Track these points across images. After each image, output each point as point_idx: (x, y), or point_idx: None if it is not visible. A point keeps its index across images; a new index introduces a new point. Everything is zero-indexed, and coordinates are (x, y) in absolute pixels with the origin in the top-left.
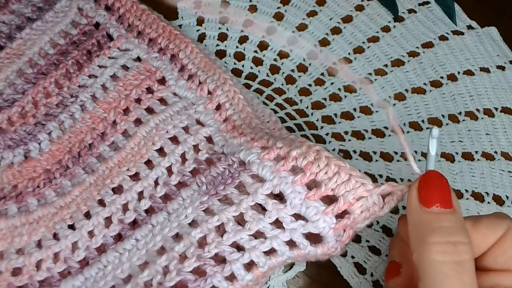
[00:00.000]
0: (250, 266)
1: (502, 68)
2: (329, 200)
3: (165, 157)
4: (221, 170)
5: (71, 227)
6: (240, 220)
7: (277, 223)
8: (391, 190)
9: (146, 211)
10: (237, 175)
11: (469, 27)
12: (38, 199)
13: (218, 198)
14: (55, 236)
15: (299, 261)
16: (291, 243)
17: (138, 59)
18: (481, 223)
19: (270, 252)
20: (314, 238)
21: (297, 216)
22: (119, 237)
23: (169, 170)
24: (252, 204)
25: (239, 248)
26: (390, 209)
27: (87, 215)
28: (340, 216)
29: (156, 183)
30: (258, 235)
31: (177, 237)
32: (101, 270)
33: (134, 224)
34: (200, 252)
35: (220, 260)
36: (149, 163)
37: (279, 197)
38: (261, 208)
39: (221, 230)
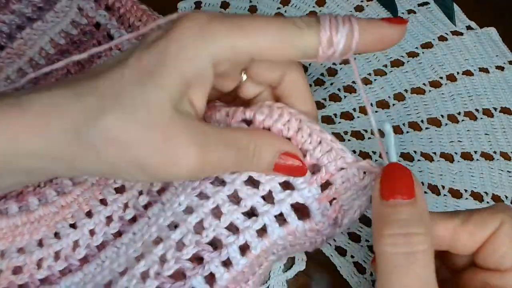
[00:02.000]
0: (244, 250)
1: (501, 68)
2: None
3: None
4: None
5: (72, 225)
6: (235, 200)
7: (268, 199)
8: (367, 169)
9: (145, 206)
10: None
11: (468, 27)
12: (39, 198)
13: (210, 181)
14: (56, 235)
15: (292, 246)
16: (281, 221)
17: None
18: (470, 221)
19: (262, 233)
20: (302, 214)
21: (286, 186)
22: (118, 234)
23: None
24: (246, 179)
25: (233, 231)
26: (371, 181)
27: (89, 214)
28: (324, 187)
29: None
30: (250, 214)
31: (173, 226)
32: (99, 266)
33: (133, 220)
34: (198, 238)
35: (217, 246)
36: None
37: None
38: (253, 184)
39: (217, 213)
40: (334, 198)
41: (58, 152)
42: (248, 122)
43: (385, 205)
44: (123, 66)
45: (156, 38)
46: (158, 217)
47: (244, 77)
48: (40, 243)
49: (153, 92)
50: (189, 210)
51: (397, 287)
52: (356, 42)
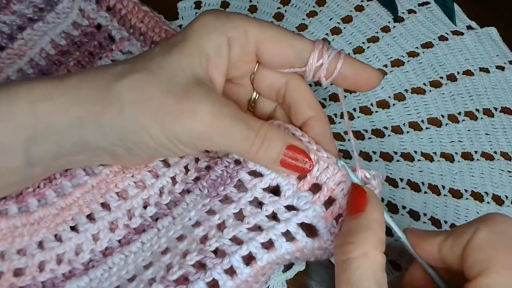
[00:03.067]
0: (249, 260)
1: (501, 68)
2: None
3: (170, 168)
4: (219, 172)
5: (74, 229)
6: (240, 217)
7: (274, 218)
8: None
9: (152, 217)
10: (235, 174)
11: (469, 27)
12: (39, 199)
13: (219, 199)
14: (57, 238)
15: (298, 258)
16: (289, 237)
17: None
18: (451, 235)
19: (269, 246)
20: (310, 232)
21: (291, 208)
22: (126, 242)
23: (174, 179)
24: (251, 200)
25: (238, 243)
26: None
27: (91, 218)
28: (328, 204)
29: (161, 191)
30: (256, 229)
31: (181, 238)
32: (106, 272)
33: (140, 228)
34: (202, 247)
35: (220, 255)
36: (151, 172)
37: (274, 193)
38: (258, 205)
39: (221, 227)
40: (340, 215)
41: (86, 110)
42: None
43: (346, 219)
44: (156, 45)
45: (180, 35)
46: (168, 230)
47: (255, 95)
48: (41, 245)
49: (176, 59)
50: (197, 224)
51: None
52: (342, 63)
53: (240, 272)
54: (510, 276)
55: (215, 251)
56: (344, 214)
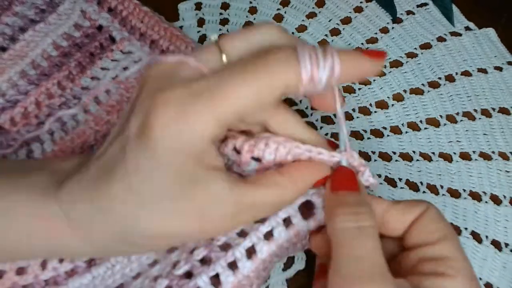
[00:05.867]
0: (250, 254)
1: (499, 69)
2: None
3: None
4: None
5: None
6: None
7: None
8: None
9: None
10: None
11: (467, 28)
12: None
13: None
14: None
15: (294, 245)
16: (287, 223)
17: (140, 61)
18: (399, 205)
19: (269, 237)
20: (305, 214)
21: None
22: None
23: None
24: None
25: (243, 235)
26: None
27: None
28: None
29: None
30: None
31: None
32: (109, 269)
33: None
34: (209, 242)
35: (226, 249)
36: None
37: None
38: None
39: None
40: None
41: (109, 251)
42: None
43: (335, 194)
44: (125, 171)
45: (137, 133)
46: None
47: None
48: None
49: (165, 183)
50: None
51: (351, 257)
52: (337, 80)
53: (242, 266)
54: (459, 246)
55: (222, 246)
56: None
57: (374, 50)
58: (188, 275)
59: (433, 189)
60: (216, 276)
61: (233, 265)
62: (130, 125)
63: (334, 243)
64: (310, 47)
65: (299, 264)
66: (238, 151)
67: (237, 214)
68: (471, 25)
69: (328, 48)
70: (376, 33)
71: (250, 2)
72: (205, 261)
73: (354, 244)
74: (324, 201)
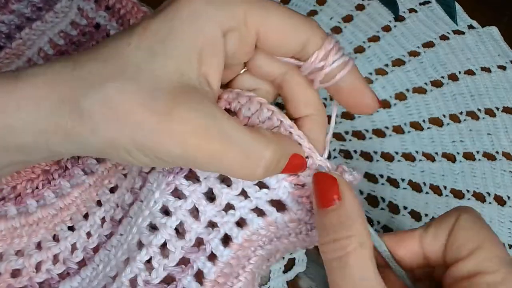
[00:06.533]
0: (226, 242)
1: (503, 67)
2: None
3: None
4: None
5: (70, 228)
6: (210, 198)
7: (243, 194)
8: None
9: (129, 205)
10: None
11: (470, 26)
12: (37, 200)
13: (184, 175)
14: (55, 238)
15: (278, 238)
16: (260, 212)
17: None
18: (431, 226)
19: (242, 224)
20: (279, 207)
21: (261, 186)
22: (110, 236)
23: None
24: (218, 175)
25: (213, 227)
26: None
27: (86, 216)
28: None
29: (138, 175)
30: (228, 209)
31: (152, 227)
32: (95, 270)
33: (120, 219)
34: (183, 244)
35: (200, 244)
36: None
37: None
38: (227, 182)
39: (195, 214)
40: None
41: (54, 124)
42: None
43: (318, 214)
44: (130, 35)
45: (164, 6)
46: (137, 217)
47: (243, 70)
48: (39, 246)
49: (160, 61)
50: (165, 211)
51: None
52: (342, 75)
53: (220, 254)
54: (502, 250)
55: (195, 244)
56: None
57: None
58: (169, 278)
59: (436, 189)
60: (199, 271)
61: (211, 257)
62: (160, 6)
63: (327, 274)
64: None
65: (300, 266)
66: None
67: (211, 126)
68: (474, 23)
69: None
70: (378, 31)
71: None
72: (183, 262)
73: (338, 275)
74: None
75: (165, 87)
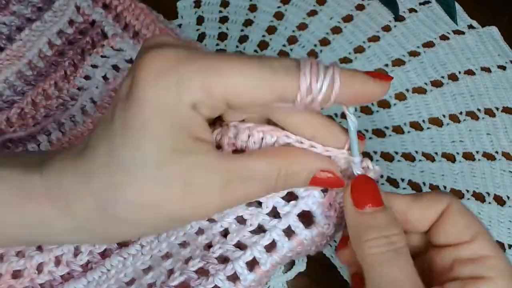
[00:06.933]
0: (252, 265)
1: (503, 67)
2: None
3: None
4: None
5: None
6: (241, 221)
7: (274, 213)
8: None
9: None
10: None
11: (470, 26)
12: None
13: None
14: None
15: (299, 253)
16: (289, 233)
17: (131, 60)
18: (422, 199)
19: (271, 248)
20: (306, 222)
21: (289, 197)
22: (125, 244)
23: None
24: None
25: (241, 248)
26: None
27: None
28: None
29: None
30: (258, 231)
31: (184, 244)
32: (104, 274)
33: None
34: (205, 253)
35: (224, 262)
36: None
37: None
38: (257, 203)
39: (225, 234)
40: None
41: (90, 229)
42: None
43: (361, 214)
44: (112, 134)
45: (127, 92)
46: (170, 235)
47: None
48: (40, 247)
49: (150, 149)
50: (199, 232)
51: (387, 279)
52: (336, 95)
53: (244, 278)
54: (494, 241)
55: (219, 258)
56: (338, 195)
57: (379, 73)
58: (184, 286)
59: (436, 189)
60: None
61: (233, 277)
62: (122, 87)
63: (368, 270)
64: (314, 60)
65: (300, 266)
66: (218, 146)
67: (224, 186)
68: (474, 23)
69: (332, 64)
70: (378, 31)
71: (250, 0)
72: (202, 273)
73: (390, 267)
74: (347, 218)
75: (164, 166)
